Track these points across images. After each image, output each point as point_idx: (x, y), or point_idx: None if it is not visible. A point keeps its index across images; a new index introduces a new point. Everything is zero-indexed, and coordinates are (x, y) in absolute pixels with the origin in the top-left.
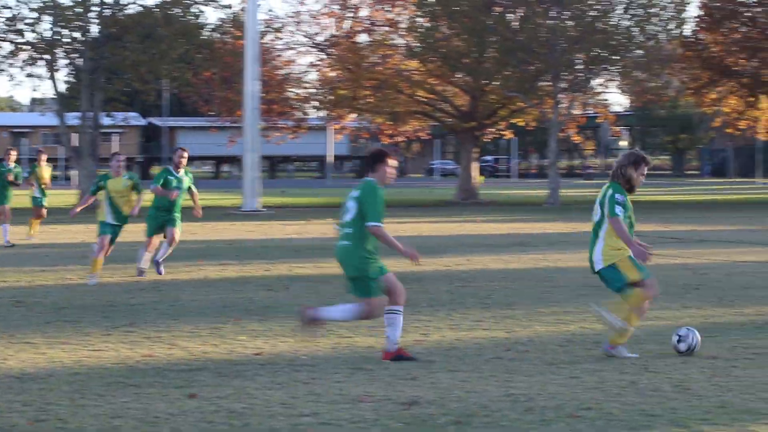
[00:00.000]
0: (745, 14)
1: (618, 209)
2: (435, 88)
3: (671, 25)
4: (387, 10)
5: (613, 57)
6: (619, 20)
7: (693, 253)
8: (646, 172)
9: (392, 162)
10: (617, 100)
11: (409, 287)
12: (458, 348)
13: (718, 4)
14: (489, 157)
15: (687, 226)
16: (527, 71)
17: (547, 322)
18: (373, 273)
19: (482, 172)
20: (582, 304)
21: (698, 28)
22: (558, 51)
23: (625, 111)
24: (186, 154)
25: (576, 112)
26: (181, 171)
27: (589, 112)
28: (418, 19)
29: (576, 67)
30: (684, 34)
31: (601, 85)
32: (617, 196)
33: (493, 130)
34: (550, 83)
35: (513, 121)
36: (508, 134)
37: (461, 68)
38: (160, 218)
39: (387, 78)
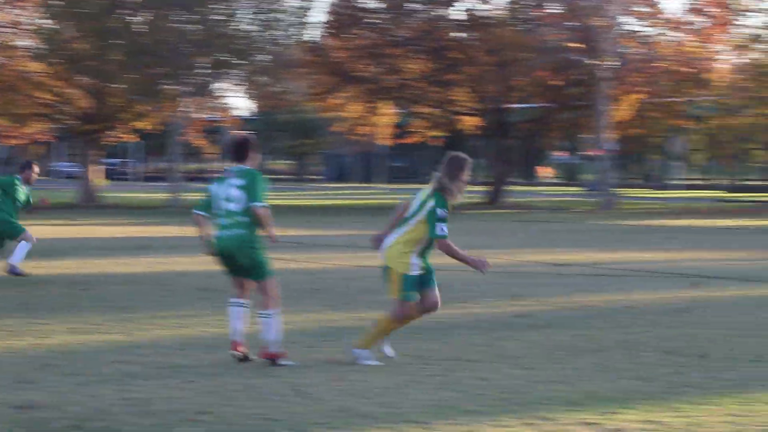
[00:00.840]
0: (369, 21)
1: (441, 228)
2: (58, 90)
3: (295, 30)
4: (11, 11)
5: (237, 61)
6: (243, 25)
7: (314, 257)
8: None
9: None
10: (242, 104)
11: (26, 291)
12: (77, 352)
13: (343, 11)
14: (114, 160)
15: (308, 231)
16: (152, 74)
17: (166, 325)
18: (266, 256)
19: (108, 174)
20: (202, 307)
21: (323, 34)
22: (182, 55)
23: (250, 115)
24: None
25: (200, 115)
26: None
27: (213, 115)
28: (42, 21)
29: (200, 71)
30: (308, 39)
31: (225, 89)
32: (440, 211)
33: (117, 132)
34: (175, 87)
35: (137, 124)
36: (133, 137)
37: (85, 71)
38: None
39: (10, 80)
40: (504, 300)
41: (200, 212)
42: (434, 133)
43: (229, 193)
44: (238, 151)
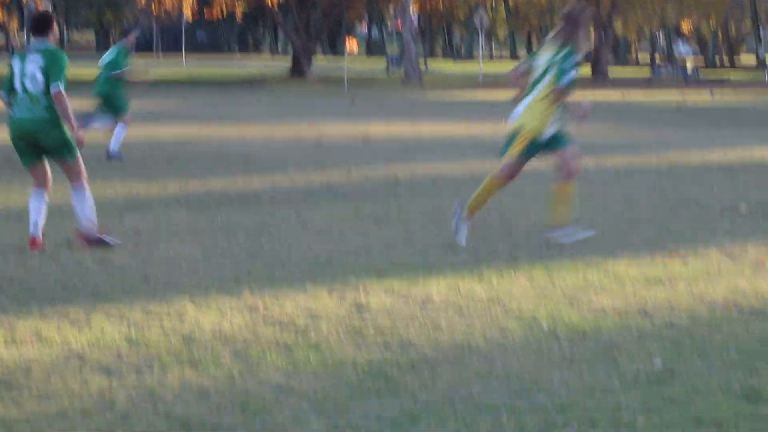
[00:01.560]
0: None
1: (572, 76)
2: None
3: None
4: None
5: None
6: None
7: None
8: None
9: None
10: None
11: None
12: None
13: None
14: None
15: None
16: None
17: None
18: (70, 134)
19: None
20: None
21: None
22: None
23: None
24: None
25: None
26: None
27: None
28: None
29: None
30: None
31: None
32: (573, 59)
33: None
34: None
35: None
36: None
37: None
38: None
39: None
40: (310, 171)
41: (6, 96)
42: (236, 6)
43: (30, 71)
44: (40, 25)
